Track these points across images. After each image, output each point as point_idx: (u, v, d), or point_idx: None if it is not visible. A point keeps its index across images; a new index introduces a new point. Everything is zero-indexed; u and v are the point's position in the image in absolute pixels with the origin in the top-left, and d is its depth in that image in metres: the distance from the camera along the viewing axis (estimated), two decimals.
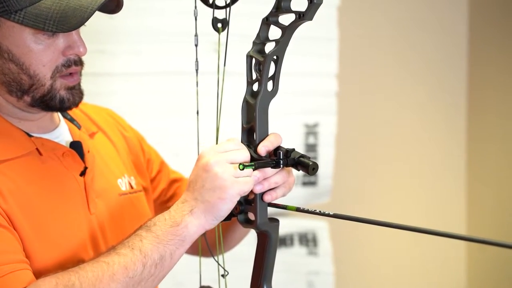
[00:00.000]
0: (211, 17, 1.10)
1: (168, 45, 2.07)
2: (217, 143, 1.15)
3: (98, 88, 1.96)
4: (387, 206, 2.95)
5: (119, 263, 1.04)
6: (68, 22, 1.09)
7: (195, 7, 1.12)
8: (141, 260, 1.05)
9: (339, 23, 2.39)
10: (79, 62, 1.19)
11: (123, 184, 1.31)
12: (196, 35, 1.14)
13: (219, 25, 1.11)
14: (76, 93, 1.20)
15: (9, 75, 1.15)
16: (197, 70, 1.16)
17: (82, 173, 1.23)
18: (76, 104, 1.21)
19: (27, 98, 1.17)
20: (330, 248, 2.41)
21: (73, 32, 1.16)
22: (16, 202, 1.11)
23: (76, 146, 1.25)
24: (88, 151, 1.26)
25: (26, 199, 1.13)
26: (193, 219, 1.06)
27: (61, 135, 1.27)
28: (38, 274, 1.10)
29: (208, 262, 1.21)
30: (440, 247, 3.00)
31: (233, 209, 1.06)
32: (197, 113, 1.20)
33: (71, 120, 1.31)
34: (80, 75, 1.21)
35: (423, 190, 3.07)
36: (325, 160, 2.36)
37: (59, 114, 1.30)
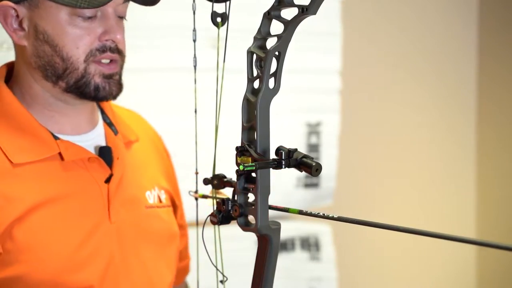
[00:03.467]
0: (210, 11, 1.11)
1: (165, 40, 2.07)
2: (215, 143, 1.15)
3: None
4: (393, 209, 2.96)
5: None
6: None
7: (194, 0, 1.12)
8: None
9: (342, 17, 2.39)
10: (116, 51, 1.20)
11: (151, 196, 1.32)
12: (194, 30, 1.14)
13: (219, 19, 1.11)
14: (114, 83, 1.21)
15: (44, 58, 1.17)
16: (195, 67, 1.17)
17: (107, 180, 1.23)
18: (113, 95, 1.21)
19: (62, 83, 1.18)
20: (333, 253, 2.41)
21: (111, 18, 1.19)
22: (25, 209, 1.12)
23: (105, 151, 1.26)
24: (118, 158, 1.27)
25: (37, 205, 1.14)
26: None
27: (95, 138, 1.28)
28: (37, 284, 1.11)
29: (207, 267, 1.22)
30: (448, 251, 3.00)
31: (232, 211, 1.07)
32: (195, 111, 1.21)
33: (110, 124, 1.32)
34: (121, 67, 1.22)
35: (431, 192, 3.08)
36: (328, 161, 2.37)
37: (100, 116, 1.31)
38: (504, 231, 3.04)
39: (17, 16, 1.19)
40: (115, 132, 1.31)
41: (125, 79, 2.05)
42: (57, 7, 1.15)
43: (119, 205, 1.23)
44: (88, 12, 1.16)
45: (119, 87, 1.23)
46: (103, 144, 1.28)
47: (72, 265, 1.16)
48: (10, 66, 1.28)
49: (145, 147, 1.39)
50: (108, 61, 1.21)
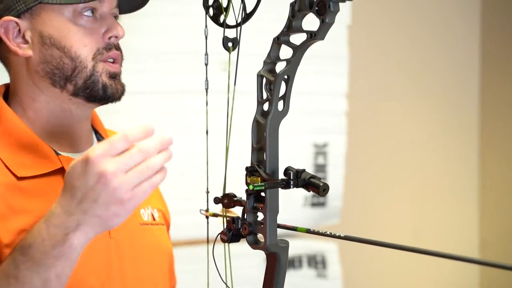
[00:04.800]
0: (222, 37, 1.11)
1: (176, 64, 2.08)
2: (226, 163, 1.15)
3: (105, 107, 1.97)
4: (398, 228, 2.95)
5: None
6: None
7: (206, 26, 1.13)
8: None
9: (349, 42, 2.40)
10: (119, 48, 1.22)
11: (145, 214, 1.31)
12: (206, 54, 1.15)
13: (230, 44, 1.12)
14: (118, 83, 1.21)
15: (52, 62, 1.17)
16: (207, 89, 1.17)
17: None
18: (118, 95, 1.21)
19: (70, 86, 1.18)
20: (339, 270, 2.40)
21: (110, 17, 1.20)
22: (31, 221, 1.11)
23: None
24: None
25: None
26: (79, 234, 0.97)
27: None
28: None
29: (216, 284, 1.21)
30: (453, 268, 2.99)
31: (242, 230, 1.06)
32: (207, 132, 1.21)
33: None
34: (121, 65, 1.22)
35: (436, 212, 3.07)
36: (335, 180, 2.37)
37: (94, 136, 1.31)
38: (507, 247, 3.02)
39: (19, 30, 1.19)
40: None
41: (140, 101, 2.07)
42: (59, 10, 1.16)
43: None
44: (88, 11, 1.18)
45: (123, 87, 1.23)
46: None
47: (73, 279, 1.14)
48: (6, 87, 1.27)
49: None
50: (112, 60, 1.21)
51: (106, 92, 1.20)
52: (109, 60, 1.20)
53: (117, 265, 1.21)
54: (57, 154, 1.21)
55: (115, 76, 1.21)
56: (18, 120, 1.20)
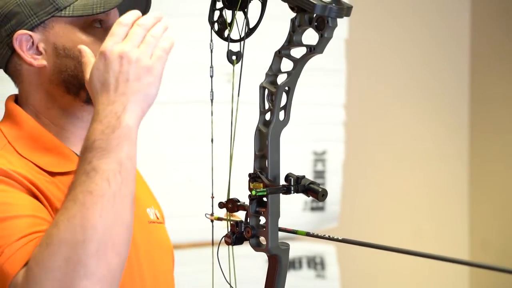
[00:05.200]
0: (226, 50, 1.12)
1: (185, 76, 2.09)
2: (230, 170, 1.16)
3: None
4: (394, 231, 2.95)
5: (82, 192, 0.98)
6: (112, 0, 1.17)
7: (211, 40, 1.13)
8: (101, 177, 0.98)
9: (346, 55, 2.41)
10: None
11: (151, 213, 1.32)
12: (211, 66, 1.15)
13: (234, 57, 1.12)
14: None
15: (67, 71, 1.18)
16: (212, 100, 1.17)
17: None
18: None
19: (83, 94, 1.19)
20: (337, 271, 2.40)
21: None
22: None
23: None
24: None
25: None
26: (129, 114, 1.02)
27: None
28: None
29: (221, 285, 1.21)
30: (444, 270, 2.99)
31: (245, 233, 1.07)
32: (212, 140, 1.21)
33: None
34: None
35: (430, 215, 3.07)
36: (333, 186, 2.37)
37: None
38: (497, 252, 3.02)
39: (32, 42, 1.19)
40: None
41: (150, 111, 2.07)
42: (71, 22, 1.18)
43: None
44: (97, 23, 1.19)
45: None
46: None
47: None
48: (15, 97, 1.28)
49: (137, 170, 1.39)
50: None
51: None
52: None
53: (135, 257, 1.22)
54: (77, 155, 1.22)
55: None
56: (39, 126, 1.21)
